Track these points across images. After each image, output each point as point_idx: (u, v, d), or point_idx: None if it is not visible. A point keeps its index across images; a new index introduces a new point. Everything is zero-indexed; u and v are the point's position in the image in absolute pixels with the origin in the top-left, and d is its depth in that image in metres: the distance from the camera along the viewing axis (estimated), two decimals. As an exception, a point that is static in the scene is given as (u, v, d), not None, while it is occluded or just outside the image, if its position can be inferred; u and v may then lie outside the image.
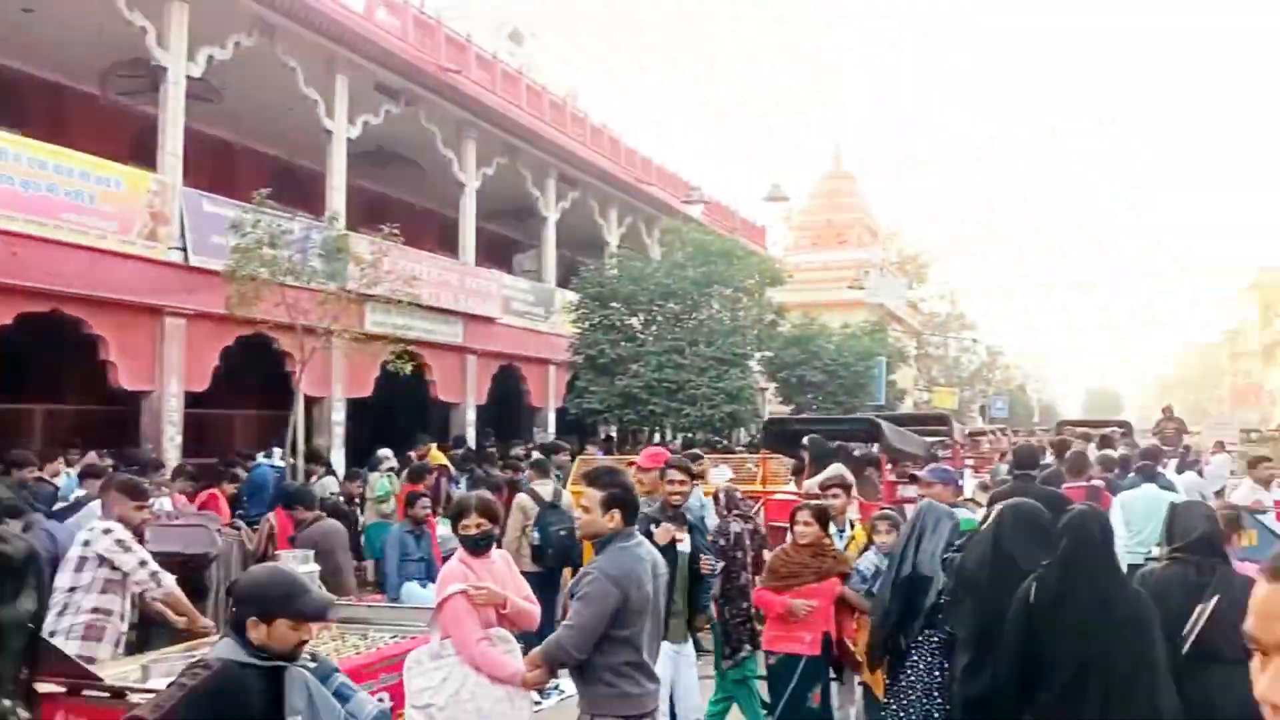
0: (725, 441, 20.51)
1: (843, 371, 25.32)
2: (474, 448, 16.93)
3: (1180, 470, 13.68)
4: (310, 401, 15.19)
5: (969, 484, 10.65)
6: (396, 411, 18.50)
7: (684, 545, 5.77)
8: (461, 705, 4.20)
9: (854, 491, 7.49)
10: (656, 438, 21.50)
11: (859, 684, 6.49)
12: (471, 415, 19.76)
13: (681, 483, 5.94)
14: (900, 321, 44.01)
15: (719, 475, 12.01)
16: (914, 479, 8.93)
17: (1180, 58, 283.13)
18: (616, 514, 4.06)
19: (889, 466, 11.02)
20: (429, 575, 7.80)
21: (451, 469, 13.38)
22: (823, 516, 6.16)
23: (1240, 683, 1.54)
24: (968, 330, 58.23)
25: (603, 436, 20.00)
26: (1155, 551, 5.35)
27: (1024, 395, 71.04)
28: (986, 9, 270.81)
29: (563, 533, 8.17)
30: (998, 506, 4.49)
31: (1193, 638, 3.80)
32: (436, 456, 12.17)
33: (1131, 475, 9.57)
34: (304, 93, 15.88)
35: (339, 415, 16.44)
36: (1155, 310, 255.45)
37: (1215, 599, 3.81)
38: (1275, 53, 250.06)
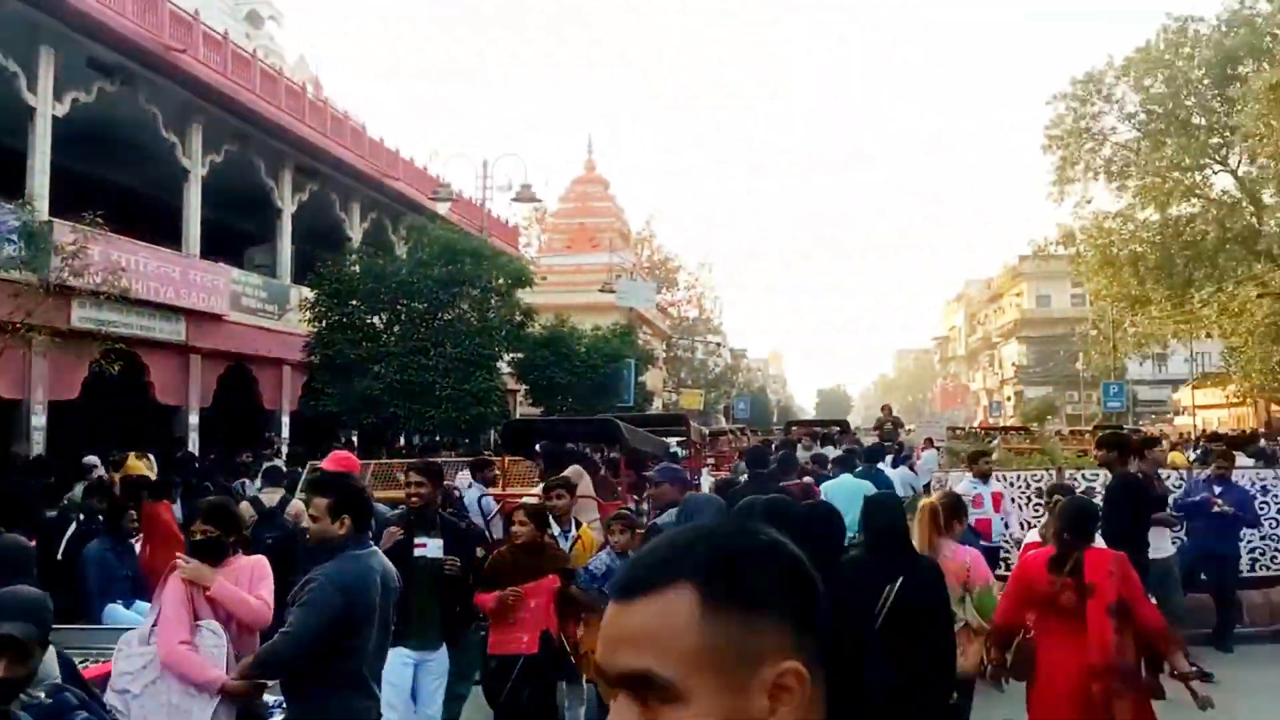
0: (470, 444, 20.14)
1: (593, 373, 25.55)
2: (191, 455, 15.74)
3: (895, 465, 14.66)
4: (5, 405, 13.64)
5: (705, 482, 10.97)
6: (109, 416, 16.91)
7: (429, 549, 5.54)
8: (156, 696, 3.96)
9: (580, 492, 7.45)
10: (401, 441, 20.87)
11: (588, 683, 6.44)
12: (195, 419, 18.38)
13: (420, 485, 5.71)
14: (650, 324, 45.04)
15: (462, 479, 11.75)
16: (646, 479, 9.06)
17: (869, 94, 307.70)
18: (346, 520, 3.94)
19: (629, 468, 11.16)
20: (136, 594, 7.29)
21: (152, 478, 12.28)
22: (539, 517, 6.10)
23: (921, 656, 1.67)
24: (715, 335, 60.59)
25: (342, 441, 19.14)
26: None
27: (765, 396, 74.79)
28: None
29: (270, 541, 7.68)
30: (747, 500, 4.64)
31: (882, 615, 4.14)
32: (135, 466, 11.11)
33: (860, 468, 10.31)
34: (1, 64, 14.25)
35: (39, 420, 14.85)
36: (877, 317, 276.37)
37: (900, 581, 4.22)
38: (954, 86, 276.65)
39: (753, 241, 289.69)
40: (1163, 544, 8.40)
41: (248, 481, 11.24)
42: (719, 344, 61.11)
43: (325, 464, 5.73)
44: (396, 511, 5.77)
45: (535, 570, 5.75)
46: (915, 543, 5.21)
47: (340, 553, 3.95)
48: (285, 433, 20.76)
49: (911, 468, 15.23)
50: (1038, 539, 6.37)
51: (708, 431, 22.93)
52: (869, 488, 7.29)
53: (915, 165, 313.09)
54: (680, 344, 54.17)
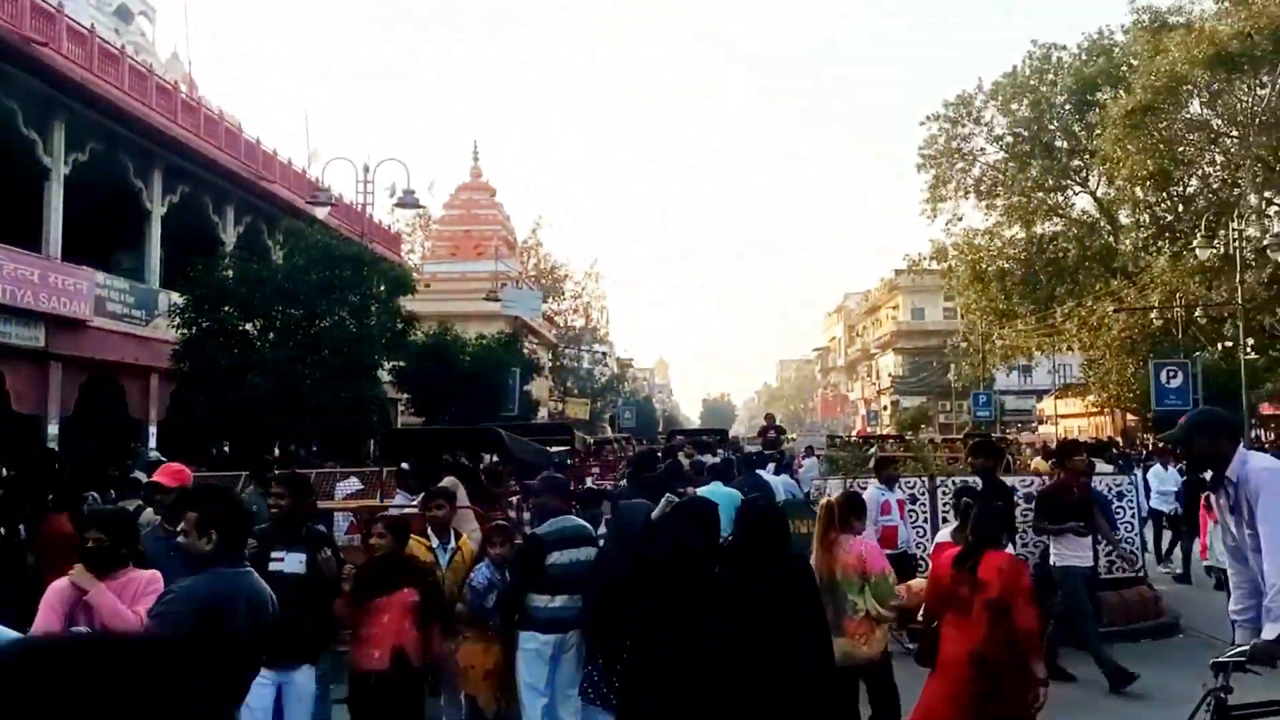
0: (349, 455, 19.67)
1: (477, 383, 25.28)
2: (52, 465, 14.92)
3: (778, 472, 14.96)
4: None
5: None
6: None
7: (287, 564, 5.37)
8: None
9: (458, 502, 7.37)
10: (277, 451, 20.24)
11: (464, 697, 6.37)
12: (55, 429, 17.47)
13: (281, 496, 5.57)
14: (536, 333, 44.87)
15: (345, 488, 11.47)
16: (529, 489, 9.04)
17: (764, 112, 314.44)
18: (213, 535, 3.84)
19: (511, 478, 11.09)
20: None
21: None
22: (399, 529, 6.01)
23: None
24: (601, 344, 60.72)
25: (213, 451, 18.46)
26: None
27: (651, 406, 75.28)
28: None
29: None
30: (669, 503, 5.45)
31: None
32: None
33: (739, 477, 10.54)
34: None
35: (-124, 431, 13.91)
36: (761, 328, 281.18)
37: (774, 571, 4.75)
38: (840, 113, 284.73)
39: (640, 251, 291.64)
40: (1079, 551, 8.76)
41: (96, 495, 10.69)
42: (605, 353, 61.30)
43: (158, 477, 5.49)
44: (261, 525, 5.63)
45: (390, 584, 5.65)
46: (815, 536, 5.89)
47: (207, 569, 3.82)
48: (153, 443, 19.90)
49: (793, 475, 15.56)
50: (948, 538, 6.64)
51: (592, 440, 22.96)
52: (736, 495, 7.62)
53: (799, 179, 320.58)
54: (567, 353, 54.13)
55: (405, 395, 25.38)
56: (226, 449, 18.66)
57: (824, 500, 6.16)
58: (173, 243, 21.66)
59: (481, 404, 24.90)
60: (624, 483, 10.11)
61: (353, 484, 11.55)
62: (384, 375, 22.74)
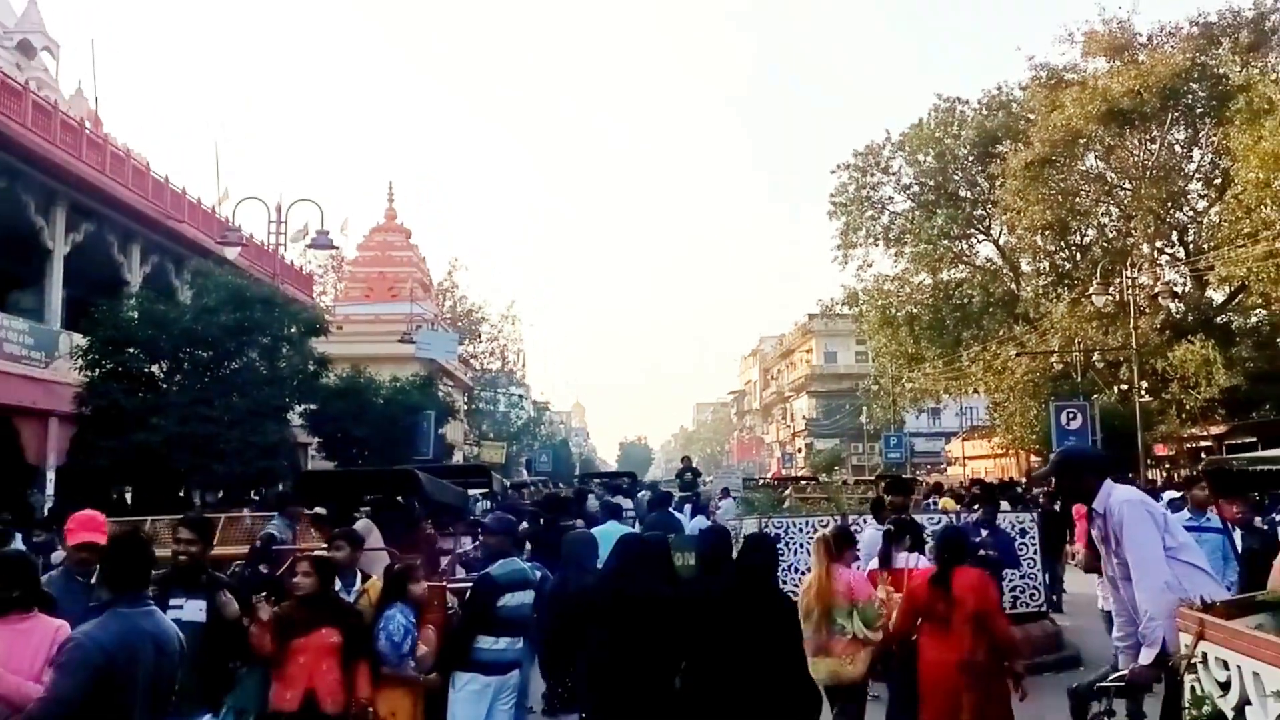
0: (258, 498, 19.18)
1: (391, 426, 24.93)
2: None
3: (694, 514, 15.05)
4: None
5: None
6: None
7: (185, 612, 5.21)
8: None
9: (370, 544, 7.29)
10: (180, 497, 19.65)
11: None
12: (-58, 475, 16.71)
13: (190, 542, 5.42)
14: (452, 376, 44.46)
15: (271, 529, 11.22)
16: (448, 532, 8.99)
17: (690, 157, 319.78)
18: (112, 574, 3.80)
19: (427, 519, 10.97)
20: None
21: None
22: (325, 569, 5.91)
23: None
24: (518, 387, 60.39)
25: (114, 497, 17.85)
26: None
27: (567, 449, 74.92)
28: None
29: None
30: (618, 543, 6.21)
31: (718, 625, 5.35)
32: None
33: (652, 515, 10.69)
34: None
35: None
36: (678, 371, 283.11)
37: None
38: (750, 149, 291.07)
39: (557, 295, 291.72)
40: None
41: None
42: (522, 395, 60.96)
43: (81, 534, 5.30)
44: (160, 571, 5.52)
45: (310, 624, 5.55)
46: (813, 566, 6.53)
47: (109, 610, 3.70)
48: (50, 489, 19.12)
49: (709, 516, 15.67)
50: (875, 567, 7.09)
51: (509, 483, 22.81)
52: (624, 530, 8.73)
53: (714, 225, 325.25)
54: (483, 395, 53.68)
55: (316, 439, 24.87)
56: (129, 495, 18.06)
57: (820, 534, 6.73)
58: (76, 282, 20.99)
59: (395, 447, 24.56)
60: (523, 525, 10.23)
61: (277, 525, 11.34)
62: (295, 419, 22.30)
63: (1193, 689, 3.71)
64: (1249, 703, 3.35)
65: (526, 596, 6.20)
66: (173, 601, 5.15)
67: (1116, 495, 4.82)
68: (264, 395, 18.25)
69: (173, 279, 24.42)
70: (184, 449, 16.75)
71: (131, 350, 17.63)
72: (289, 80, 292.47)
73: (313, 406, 22.72)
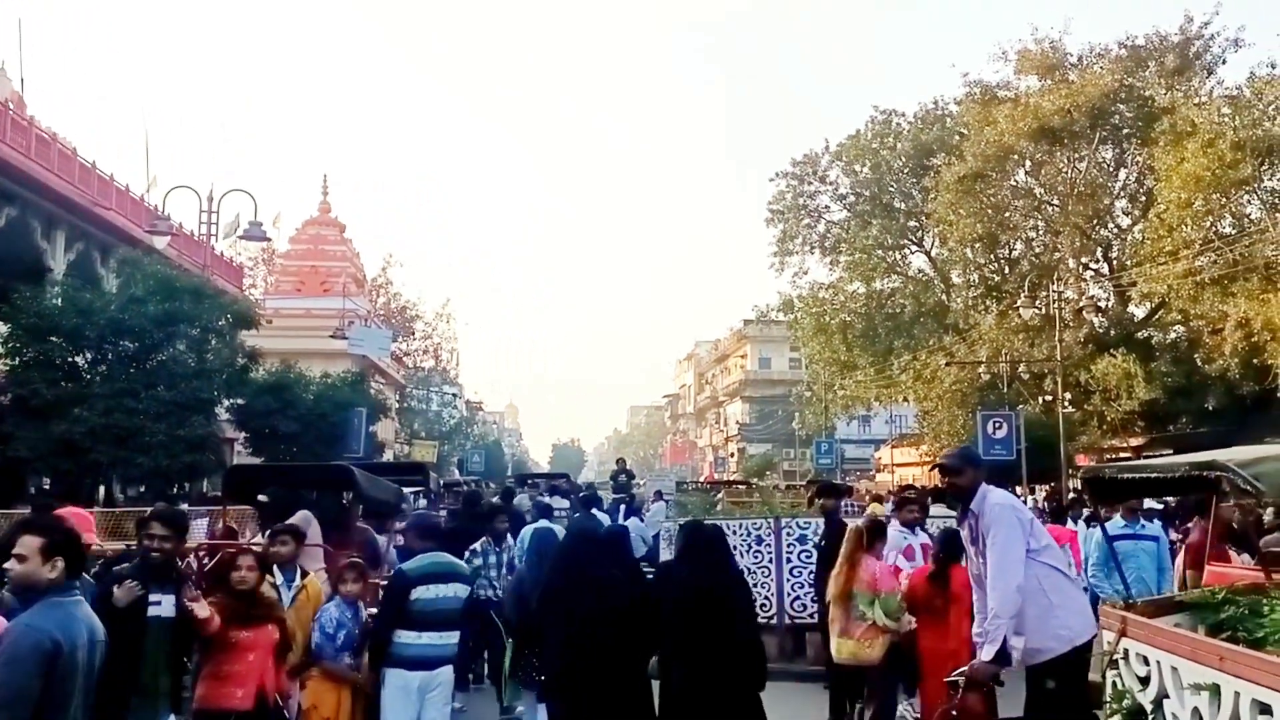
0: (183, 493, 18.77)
1: (321, 422, 24.53)
2: None
3: (627, 515, 15.13)
4: None
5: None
6: None
7: (163, 608, 5.14)
8: None
9: (310, 539, 7.21)
10: (102, 491, 19.14)
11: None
12: None
13: (165, 538, 5.32)
14: (384, 373, 43.92)
15: (196, 530, 11.01)
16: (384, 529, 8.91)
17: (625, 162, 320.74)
18: (59, 563, 3.58)
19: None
20: None
21: None
22: (266, 564, 5.89)
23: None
24: (451, 386, 59.83)
25: (32, 490, 17.29)
26: None
27: (500, 450, 74.49)
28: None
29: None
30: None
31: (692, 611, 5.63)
32: None
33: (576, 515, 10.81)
34: None
35: None
36: (613, 374, 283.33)
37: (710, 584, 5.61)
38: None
39: (492, 295, 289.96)
40: None
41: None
42: (455, 395, 60.43)
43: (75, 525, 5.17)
44: (132, 563, 5.40)
45: (254, 619, 5.47)
46: (842, 557, 6.99)
47: (45, 599, 3.56)
48: (-38, 480, 18.51)
49: (641, 518, 15.75)
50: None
51: (441, 482, 22.61)
52: (556, 528, 8.97)
53: (653, 229, 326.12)
54: (415, 394, 53.10)
55: (243, 434, 24.36)
56: (47, 485, 17.52)
57: (852, 525, 7.38)
58: (-5, 268, 20.35)
59: (325, 444, 24.17)
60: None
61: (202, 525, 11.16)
62: (222, 413, 21.84)
63: (1114, 684, 3.85)
64: (1167, 695, 3.50)
65: (450, 589, 6.10)
66: (152, 598, 5.08)
67: (990, 498, 5.08)
68: (191, 388, 17.88)
69: (99, 267, 23.75)
70: (107, 441, 16.33)
71: (54, 339, 17.12)
72: (290, 81, 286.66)
73: (241, 401, 22.29)
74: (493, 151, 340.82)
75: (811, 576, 10.98)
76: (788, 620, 11.11)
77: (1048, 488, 27.48)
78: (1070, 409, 29.19)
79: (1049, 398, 30.93)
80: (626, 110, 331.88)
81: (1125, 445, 29.07)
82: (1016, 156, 30.65)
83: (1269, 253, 24.56)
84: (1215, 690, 3.22)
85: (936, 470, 5.54)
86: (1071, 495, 16.87)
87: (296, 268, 45.43)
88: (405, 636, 5.91)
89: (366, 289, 49.20)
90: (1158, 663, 3.59)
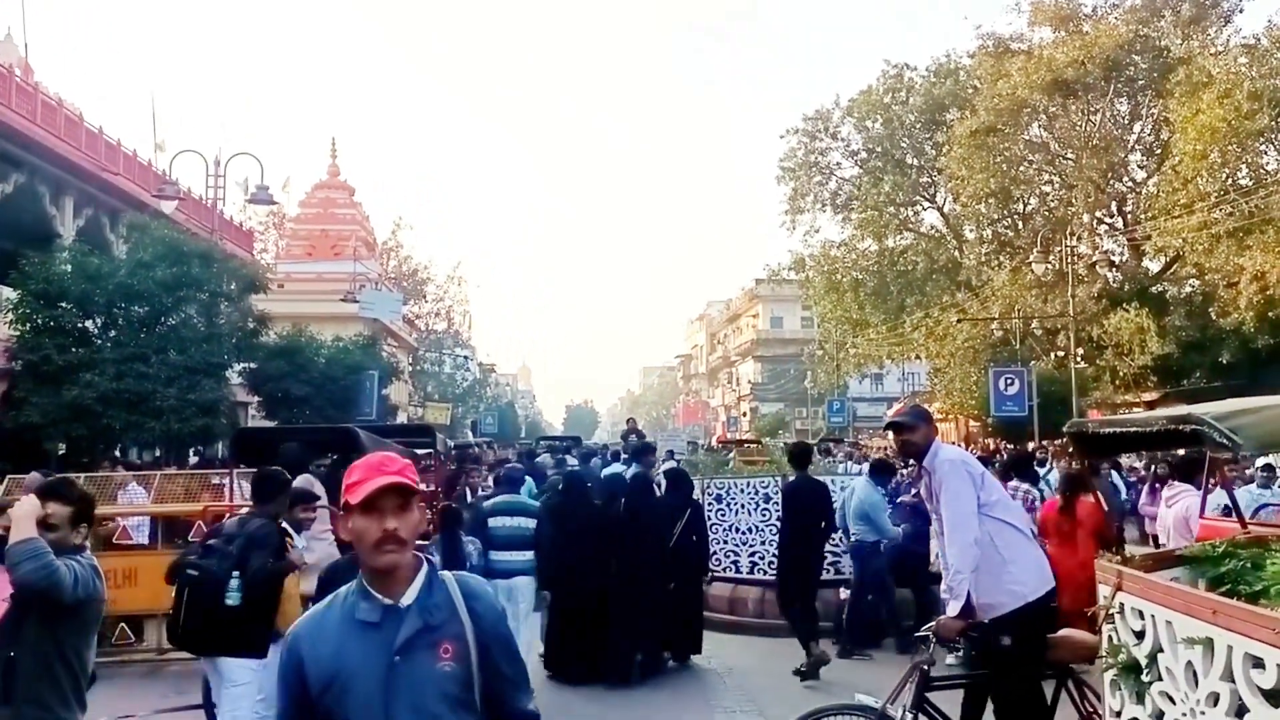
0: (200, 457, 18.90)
1: (332, 385, 24.64)
2: None
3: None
4: None
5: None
6: None
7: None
8: None
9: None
10: (118, 455, 19.31)
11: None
12: None
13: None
14: (396, 336, 43.99)
15: (135, 495, 11.21)
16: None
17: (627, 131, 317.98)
18: (84, 530, 3.97)
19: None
20: None
21: None
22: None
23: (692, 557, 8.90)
24: (463, 348, 59.89)
25: (47, 453, 17.45)
26: None
27: (513, 412, 74.72)
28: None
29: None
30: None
31: (676, 533, 9.26)
32: None
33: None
34: None
35: None
36: (626, 335, 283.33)
37: (688, 512, 9.47)
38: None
39: (504, 257, 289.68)
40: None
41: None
42: (467, 358, 60.49)
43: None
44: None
45: None
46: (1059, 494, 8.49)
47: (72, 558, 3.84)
48: (-24, 446, 18.67)
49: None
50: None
51: (453, 444, 22.70)
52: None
53: (662, 188, 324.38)
54: (427, 357, 53.20)
55: (256, 398, 24.50)
56: (62, 450, 17.68)
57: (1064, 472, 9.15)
58: (4, 235, 20.38)
59: (337, 407, 24.31)
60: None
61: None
62: (234, 377, 21.95)
63: (1110, 638, 3.83)
64: (1161, 650, 3.48)
65: (515, 521, 8.28)
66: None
67: (941, 454, 5.08)
68: (202, 352, 17.94)
69: (107, 233, 23.78)
70: (119, 406, 16.44)
71: (64, 305, 17.19)
72: (296, 45, 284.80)
73: (252, 365, 22.38)
74: (504, 114, 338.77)
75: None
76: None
77: (1058, 444, 27.43)
78: (1083, 364, 29.03)
79: (1061, 353, 30.77)
80: (640, 67, 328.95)
81: (1138, 400, 28.91)
82: (1030, 110, 30.25)
83: (1286, 205, 24.24)
84: (1208, 644, 3.19)
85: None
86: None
87: (307, 232, 45.40)
88: (491, 555, 8.05)
89: (377, 252, 49.15)
90: (1152, 617, 3.56)
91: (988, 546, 4.75)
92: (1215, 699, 3.19)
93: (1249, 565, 3.73)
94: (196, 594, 5.30)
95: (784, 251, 56.71)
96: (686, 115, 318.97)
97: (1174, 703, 3.42)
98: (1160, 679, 3.52)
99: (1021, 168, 31.49)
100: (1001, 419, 26.18)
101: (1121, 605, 3.75)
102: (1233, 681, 3.10)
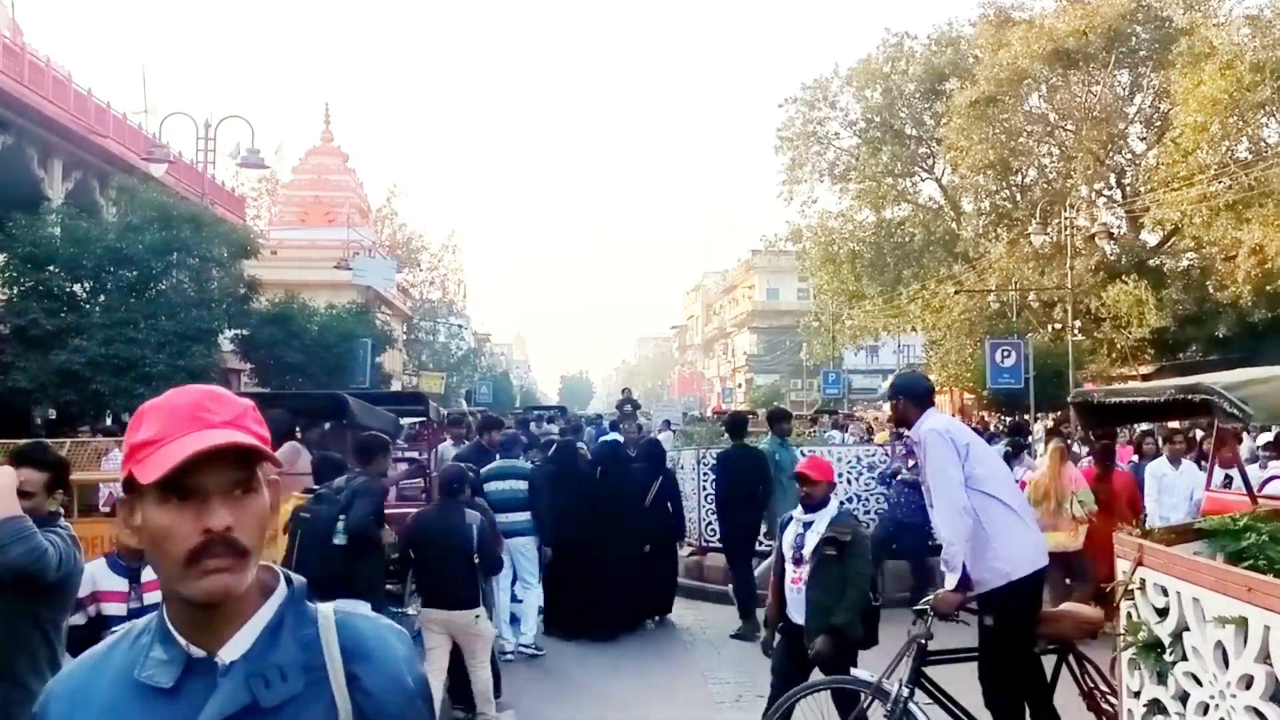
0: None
1: (326, 353, 24.45)
2: None
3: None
4: None
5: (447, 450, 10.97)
6: None
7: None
8: None
9: (299, 469, 7.18)
10: (109, 421, 19.16)
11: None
12: None
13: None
14: (390, 305, 43.75)
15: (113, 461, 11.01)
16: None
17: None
18: (59, 496, 3.89)
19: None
20: None
21: None
22: None
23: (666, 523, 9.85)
24: (458, 317, 59.65)
25: (37, 420, 17.31)
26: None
27: (508, 381, 74.57)
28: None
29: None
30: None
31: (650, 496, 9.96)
32: None
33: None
34: None
35: None
36: (620, 306, 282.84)
37: (659, 479, 10.16)
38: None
39: (500, 227, 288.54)
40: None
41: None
42: (462, 326, 60.24)
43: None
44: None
45: None
46: (1048, 466, 8.76)
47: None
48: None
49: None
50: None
51: (446, 413, 22.58)
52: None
53: (659, 158, 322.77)
54: (422, 325, 52.96)
55: (248, 365, 24.32)
56: (53, 415, 17.54)
57: (1054, 445, 9.15)
58: (-9, 197, 20.12)
59: (331, 375, 24.11)
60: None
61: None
62: (226, 344, 21.77)
63: (1129, 615, 3.68)
64: (1187, 628, 3.33)
65: (507, 485, 8.69)
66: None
67: (927, 423, 4.89)
68: (192, 318, 17.74)
69: (97, 196, 23.47)
70: (107, 371, 16.26)
71: (52, 269, 16.98)
72: (281, 44, 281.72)
73: (244, 332, 22.17)
74: (502, 82, 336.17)
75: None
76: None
77: (1054, 416, 27.39)
78: (1080, 336, 28.94)
79: (1058, 325, 30.68)
80: (636, 34, 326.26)
81: (1135, 373, 28.87)
82: (1030, 80, 29.98)
83: (1285, 178, 24.09)
84: (1242, 623, 3.03)
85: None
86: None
87: (300, 198, 44.99)
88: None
89: (371, 219, 48.77)
90: (1178, 593, 3.40)
91: (974, 518, 4.60)
92: (1248, 682, 3.02)
93: (1269, 539, 3.58)
94: (309, 534, 5.97)
95: (781, 222, 56.36)
96: (686, 82, 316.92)
97: (1200, 684, 3.27)
98: (1185, 659, 3.37)
99: (1021, 139, 31.26)
100: (998, 391, 26.10)
101: (1142, 581, 3.60)
102: (1269, 663, 2.93)
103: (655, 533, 9.73)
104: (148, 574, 4.16)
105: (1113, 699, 4.83)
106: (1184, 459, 9.35)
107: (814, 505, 5.29)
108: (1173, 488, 8.90)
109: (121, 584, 4.25)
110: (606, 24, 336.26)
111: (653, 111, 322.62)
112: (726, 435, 10.50)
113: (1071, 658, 4.84)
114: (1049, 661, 4.85)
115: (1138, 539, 3.77)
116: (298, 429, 9.36)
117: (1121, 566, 3.77)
